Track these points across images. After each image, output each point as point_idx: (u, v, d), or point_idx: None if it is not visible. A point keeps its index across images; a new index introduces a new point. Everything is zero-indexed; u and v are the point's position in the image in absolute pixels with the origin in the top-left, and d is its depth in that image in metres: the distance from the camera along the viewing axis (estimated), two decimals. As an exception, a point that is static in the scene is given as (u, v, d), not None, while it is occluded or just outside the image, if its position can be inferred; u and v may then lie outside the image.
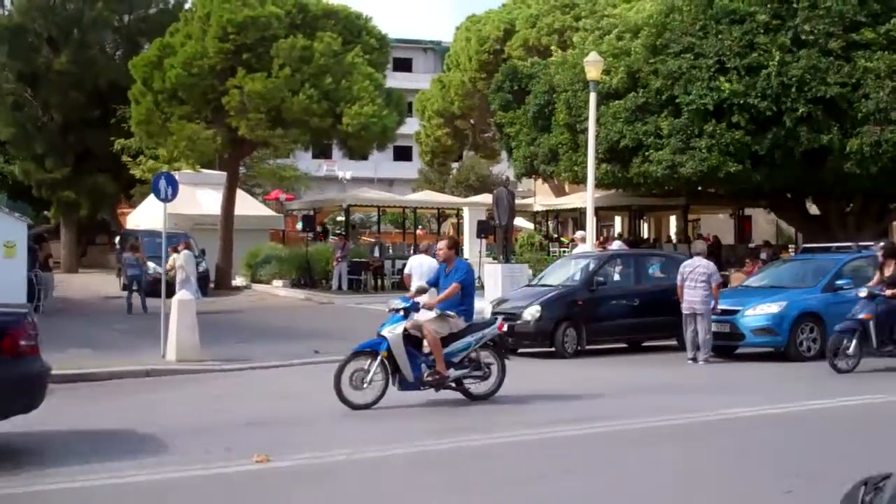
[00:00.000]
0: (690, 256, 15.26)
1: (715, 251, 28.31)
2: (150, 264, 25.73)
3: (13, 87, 36.60)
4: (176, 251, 22.07)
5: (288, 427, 9.20)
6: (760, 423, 9.30)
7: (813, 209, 26.28)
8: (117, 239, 30.76)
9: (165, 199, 14.96)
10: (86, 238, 41.93)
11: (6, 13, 36.94)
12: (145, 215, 30.99)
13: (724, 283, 21.27)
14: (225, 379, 13.07)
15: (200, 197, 31.52)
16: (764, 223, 33.99)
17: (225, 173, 30.03)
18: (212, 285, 27.77)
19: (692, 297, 14.26)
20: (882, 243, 14.77)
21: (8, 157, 39.72)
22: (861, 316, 12.81)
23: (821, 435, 8.81)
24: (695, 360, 14.23)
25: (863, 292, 13.13)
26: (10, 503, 6.35)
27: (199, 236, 28.39)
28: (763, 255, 24.03)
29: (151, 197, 19.91)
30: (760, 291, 15.47)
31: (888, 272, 13.25)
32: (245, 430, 9.01)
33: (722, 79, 20.97)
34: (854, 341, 12.74)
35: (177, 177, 19.92)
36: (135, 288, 22.31)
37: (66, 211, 38.30)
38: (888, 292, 13.05)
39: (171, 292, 15.23)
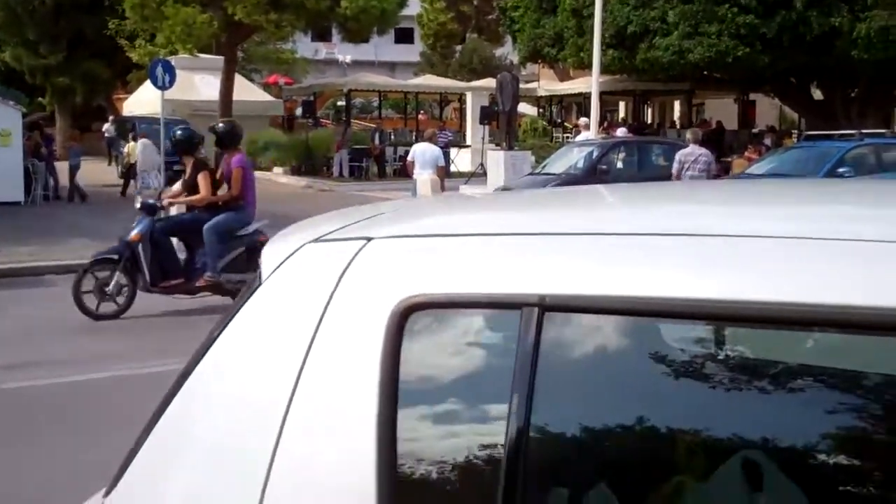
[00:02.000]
0: (686, 145, 15.13)
1: (718, 136, 28.10)
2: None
3: (3, -30, 35.63)
4: (134, 140, 22.17)
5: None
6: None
7: (817, 94, 25.97)
8: (105, 126, 30.30)
9: (163, 87, 14.78)
10: (82, 124, 41.56)
11: None
12: (143, 101, 30.60)
13: (727, 169, 21.22)
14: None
15: (198, 83, 31.03)
16: (768, 108, 33.60)
17: (222, 58, 29.51)
18: (212, 172, 27.64)
19: (695, 186, 14.22)
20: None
21: (-1, 42, 38.98)
22: (131, 237, 9.53)
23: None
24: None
25: (138, 202, 10.12)
26: None
27: (198, 123, 28.01)
28: (767, 142, 23.86)
29: (148, 82, 19.62)
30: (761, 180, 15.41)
31: (186, 176, 10.29)
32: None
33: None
34: (118, 274, 9.47)
35: (173, 62, 19.62)
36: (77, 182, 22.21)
37: (61, 97, 37.78)
38: (168, 201, 10.37)
39: (172, 182, 15.15)
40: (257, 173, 28.86)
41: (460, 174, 25.34)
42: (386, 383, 1.44)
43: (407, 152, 19.10)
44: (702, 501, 1.33)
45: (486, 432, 1.42)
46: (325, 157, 27.90)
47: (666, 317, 1.35)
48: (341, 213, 1.88)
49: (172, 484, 1.57)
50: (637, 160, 16.96)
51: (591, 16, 21.32)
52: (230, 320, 1.63)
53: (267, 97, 34.98)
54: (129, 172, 22.58)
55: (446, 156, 23.06)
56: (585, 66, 24.99)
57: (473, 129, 28.89)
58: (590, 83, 21.46)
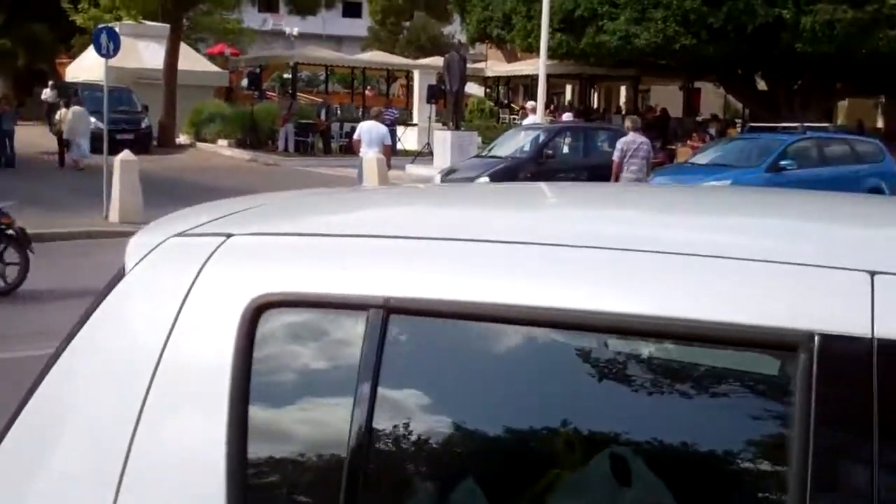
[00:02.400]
0: (626, 133, 15.22)
1: (663, 123, 28.47)
2: (91, 119, 25.14)
3: (-61, -76, 34.46)
4: (67, 106, 21.89)
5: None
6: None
7: (761, 85, 26.43)
8: (45, 91, 29.53)
9: (107, 55, 14.50)
10: (24, 89, 40.52)
11: None
12: (86, 67, 29.94)
13: (671, 156, 21.55)
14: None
15: (143, 50, 30.43)
16: (712, 97, 34.11)
17: (168, 25, 28.98)
18: (155, 143, 27.22)
19: (636, 173, 14.38)
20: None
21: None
22: None
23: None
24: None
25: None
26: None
27: (142, 91, 27.60)
28: (711, 130, 24.26)
29: (92, 48, 19.20)
30: (704, 169, 15.65)
31: None
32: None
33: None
34: None
35: (118, 29, 19.22)
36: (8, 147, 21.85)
37: (2, 61, 36.77)
38: None
39: (114, 151, 14.90)
40: (203, 145, 28.68)
41: (406, 153, 25.31)
42: (237, 378, 1.49)
43: (353, 128, 19.03)
44: (540, 498, 1.40)
45: (330, 429, 1.47)
46: (271, 131, 27.63)
47: (505, 322, 1.41)
48: (213, 206, 1.92)
49: (41, 463, 1.61)
50: (583, 146, 17.14)
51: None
52: (95, 308, 1.67)
53: (212, 67, 34.45)
54: (61, 139, 22.20)
55: (392, 134, 23.00)
56: (533, 49, 25.10)
57: (420, 108, 28.84)
58: (537, 65, 21.58)
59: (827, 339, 1.24)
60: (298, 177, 22.24)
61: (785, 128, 17.37)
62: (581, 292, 1.38)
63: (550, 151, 16.32)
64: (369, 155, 15.99)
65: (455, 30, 43.88)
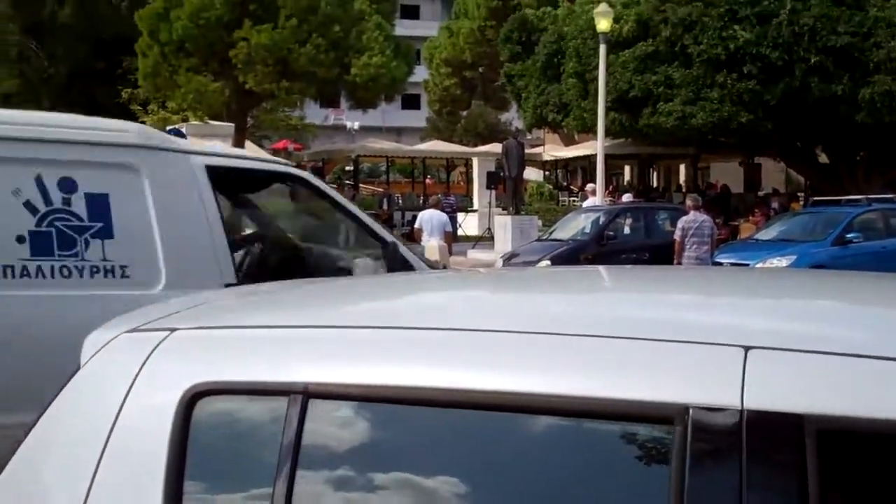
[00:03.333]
0: (687, 211, 15.08)
1: (724, 200, 28.31)
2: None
3: (18, 39, 36.38)
4: None
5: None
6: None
7: (822, 158, 26.19)
8: None
9: (176, 156, 14.99)
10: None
11: (10, -36, 36.60)
12: (154, 168, 30.91)
13: (734, 232, 21.36)
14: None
15: (209, 149, 31.41)
16: (773, 171, 33.85)
17: (232, 125, 29.95)
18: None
19: (700, 253, 14.22)
20: None
21: (14, 110, 39.57)
22: None
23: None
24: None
25: None
26: None
27: (209, 189, 28.38)
28: (774, 205, 24.02)
29: (161, 151, 19.87)
30: (769, 245, 15.50)
31: None
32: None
33: (737, 27, 20.78)
34: None
35: (185, 129, 19.93)
36: None
37: (75, 163, 38.30)
38: None
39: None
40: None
41: (468, 238, 25.52)
42: (172, 461, 1.60)
43: (414, 217, 19.28)
44: None
45: None
46: (334, 222, 28.09)
47: (414, 403, 1.52)
48: (166, 304, 2.08)
49: None
50: (644, 226, 17.11)
51: (595, 80, 21.69)
52: (52, 401, 1.81)
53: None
54: None
55: (453, 221, 23.26)
56: (590, 130, 25.30)
57: (480, 194, 29.15)
58: (594, 147, 21.77)
59: (699, 411, 1.32)
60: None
61: (848, 200, 17.14)
62: (482, 373, 1.50)
63: (612, 233, 16.32)
64: (431, 242, 16.18)
65: (512, 117, 44.50)
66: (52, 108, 36.78)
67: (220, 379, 1.65)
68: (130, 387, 1.69)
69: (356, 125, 51.62)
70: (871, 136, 22.10)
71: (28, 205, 4.67)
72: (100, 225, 4.84)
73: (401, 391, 1.52)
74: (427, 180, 38.60)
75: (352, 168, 37.59)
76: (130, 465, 1.64)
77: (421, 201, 29.04)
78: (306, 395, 1.55)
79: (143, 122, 31.40)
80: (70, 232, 4.78)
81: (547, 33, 26.27)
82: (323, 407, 1.56)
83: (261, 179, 6.24)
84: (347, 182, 38.83)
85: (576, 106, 25.01)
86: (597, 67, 21.06)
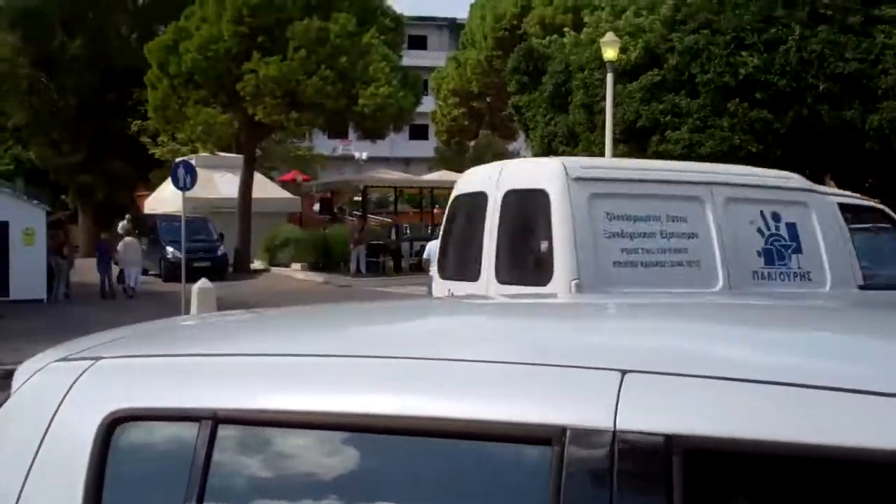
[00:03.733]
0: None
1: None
2: (170, 248, 26.02)
3: (28, 72, 36.70)
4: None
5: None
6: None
7: (832, 185, 26.14)
8: (121, 224, 30.23)
9: (184, 188, 15.04)
10: (104, 222, 42.14)
11: (21, -2, 37.00)
12: (164, 199, 31.06)
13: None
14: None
15: (218, 180, 31.57)
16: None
17: (242, 156, 30.09)
18: (230, 269, 27.88)
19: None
20: None
21: (24, 142, 39.88)
22: None
23: None
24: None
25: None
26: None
27: (218, 220, 28.47)
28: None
29: (169, 180, 19.99)
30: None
31: None
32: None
33: (744, 54, 20.81)
34: None
35: (194, 160, 19.96)
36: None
37: (83, 195, 38.50)
38: None
39: (191, 278, 15.27)
40: (277, 269, 29.22)
41: (477, 268, 25.44)
42: (91, 489, 1.66)
43: (423, 247, 19.26)
44: None
45: None
46: (343, 253, 28.11)
47: (318, 428, 1.60)
48: (96, 335, 2.14)
49: None
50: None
51: (602, 111, 21.70)
52: None
53: (285, 194, 35.48)
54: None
55: (462, 250, 23.21)
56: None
57: (489, 223, 29.07)
58: (604, 177, 21.67)
59: (576, 432, 1.40)
60: (370, 296, 22.48)
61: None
62: (375, 397, 1.58)
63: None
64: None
65: (520, 146, 44.60)
66: (62, 140, 37.08)
67: (138, 405, 1.72)
68: (55, 414, 1.76)
69: (364, 156, 51.79)
70: (879, 163, 22.05)
71: (759, 230, 7.26)
72: (794, 244, 7.34)
73: (305, 416, 1.60)
74: (435, 210, 38.61)
75: (360, 198, 37.66)
76: (52, 491, 1.70)
77: (429, 231, 29.02)
78: (216, 420, 1.61)
79: (152, 154, 31.76)
80: (781, 249, 7.29)
81: (554, 62, 26.36)
82: (232, 432, 1.63)
83: (855, 210, 8.58)
84: (356, 212, 38.96)
85: (584, 138, 25.03)
86: (604, 99, 21.08)
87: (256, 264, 30.14)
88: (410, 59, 42.59)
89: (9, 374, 7.96)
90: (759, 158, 21.91)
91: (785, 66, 20.46)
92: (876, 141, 20.45)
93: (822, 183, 26.11)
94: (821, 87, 20.31)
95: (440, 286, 8.46)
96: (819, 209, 7.57)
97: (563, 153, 27.65)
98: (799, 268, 7.32)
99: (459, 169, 44.01)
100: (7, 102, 38.75)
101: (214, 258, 26.24)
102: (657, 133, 22.61)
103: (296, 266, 28.75)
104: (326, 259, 28.15)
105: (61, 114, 37.13)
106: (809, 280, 7.28)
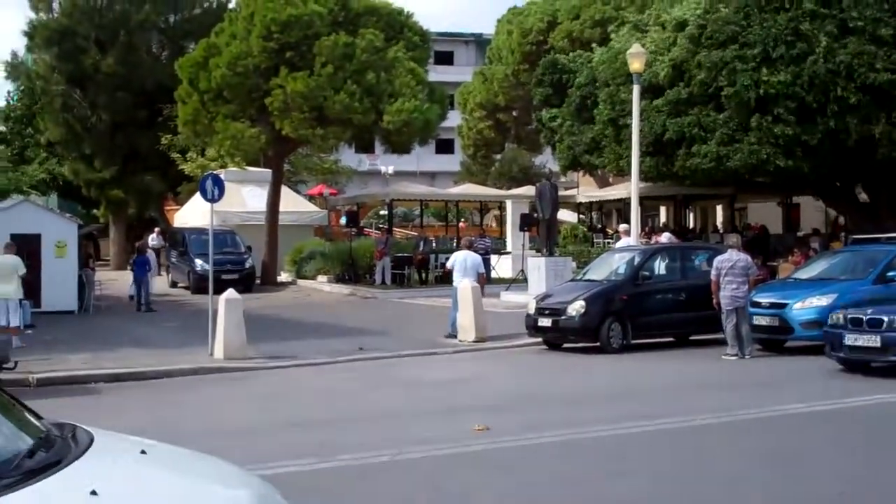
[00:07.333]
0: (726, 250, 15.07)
1: (763, 240, 28.03)
2: (198, 261, 26.28)
3: (62, 89, 37.29)
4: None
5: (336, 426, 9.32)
6: (807, 420, 9.22)
7: (862, 196, 25.92)
8: (151, 237, 30.54)
9: (212, 200, 15.17)
10: (135, 235, 42.58)
11: (55, 16, 37.59)
12: (193, 212, 31.36)
13: (774, 272, 21.12)
14: (269, 377, 13.21)
15: (246, 194, 31.84)
16: (812, 210, 33.52)
17: (269, 170, 30.33)
18: (258, 281, 28.07)
19: (735, 291, 14.08)
20: None
21: (58, 157, 40.45)
22: None
23: (869, 434, 8.71)
24: (738, 355, 14.02)
25: None
26: None
27: (246, 233, 28.70)
28: (815, 245, 23.70)
29: (198, 194, 20.18)
30: (809, 284, 15.27)
31: None
32: (300, 430, 9.14)
33: (765, 71, 20.74)
34: None
35: (223, 174, 20.15)
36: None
37: (115, 209, 39.03)
38: None
39: (219, 290, 15.41)
40: (303, 282, 29.35)
41: (501, 280, 25.48)
42: None
43: (447, 258, 19.32)
44: None
45: None
46: (369, 266, 28.23)
47: None
48: None
49: None
50: (680, 266, 16.93)
51: (628, 125, 21.70)
52: None
53: (312, 207, 35.68)
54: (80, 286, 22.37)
55: (486, 263, 23.25)
56: (624, 173, 25.27)
57: (514, 236, 29.15)
58: (629, 188, 21.70)
59: None
60: (396, 307, 22.56)
61: (889, 238, 16.89)
62: None
63: (647, 273, 16.18)
64: (464, 283, 16.18)
65: (546, 159, 44.61)
66: (94, 155, 37.60)
67: None
68: None
69: (390, 169, 51.95)
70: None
71: None
72: None
73: None
74: (461, 223, 38.70)
75: (386, 212, 37.80)
76: None
77: (455, 244, 29.07)
78: None
79: (182, 170, 32.05)
80: None
81: (580, 75, 26.42)
82: None
83: None
84: (381, 226, 39.09)
85: (609, 149, 25.05)
86: (629, 113, 21.09)
87: (283, 276, 30.32)
88: (437, 74, 42.75)
89: (41, 384, 8.25)
90: (787, 171, 21.85)
91: (813, 79, 20.37)
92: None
93: (854, 194, 25.99)
94: (851, 99, 20.19)
95: None
96: None
97: (589, 164, 27.70)
98: None
99: (485, 182, 44.11)
100: (42, 119, 39.41)
101: (242, 270, 26.44)
102: (684, 146, 22.57)
103: (322, 278, 28.89)
104: (352, 271, 28.28)
105: (94, 130, 37.65)
106: None
